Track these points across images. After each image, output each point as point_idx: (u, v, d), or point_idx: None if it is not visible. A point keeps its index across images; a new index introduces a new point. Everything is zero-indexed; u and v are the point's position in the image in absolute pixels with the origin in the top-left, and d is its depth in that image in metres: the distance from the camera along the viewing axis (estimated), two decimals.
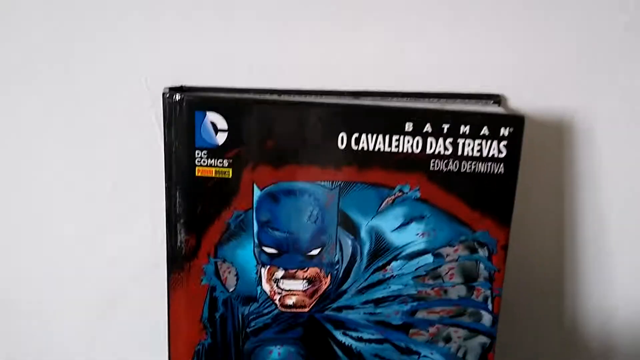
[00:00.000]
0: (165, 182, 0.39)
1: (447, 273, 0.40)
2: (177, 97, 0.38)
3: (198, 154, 0.38)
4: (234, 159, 0.38)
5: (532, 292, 0.47)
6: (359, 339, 0.42)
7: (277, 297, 0.41)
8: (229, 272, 0.41)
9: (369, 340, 0.42)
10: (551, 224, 0.45)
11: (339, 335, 0.42)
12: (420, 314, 0.41)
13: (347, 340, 0.42)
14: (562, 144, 0.43)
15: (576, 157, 0.44)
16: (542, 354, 0.49)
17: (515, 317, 0.46)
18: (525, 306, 0.47)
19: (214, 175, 0.39)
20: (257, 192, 0.39)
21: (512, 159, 0.38)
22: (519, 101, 0.42)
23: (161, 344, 0.42)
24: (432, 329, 0.41)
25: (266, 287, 0.41)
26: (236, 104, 0.38)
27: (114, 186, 0.45)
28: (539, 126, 0.42)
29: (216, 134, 0.38)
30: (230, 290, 0.41)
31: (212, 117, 0.38)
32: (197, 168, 0.39)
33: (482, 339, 0.42)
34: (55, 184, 0.45)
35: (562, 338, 0.48)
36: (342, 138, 0.38)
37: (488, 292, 0.41)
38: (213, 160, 0.39)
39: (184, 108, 0.38)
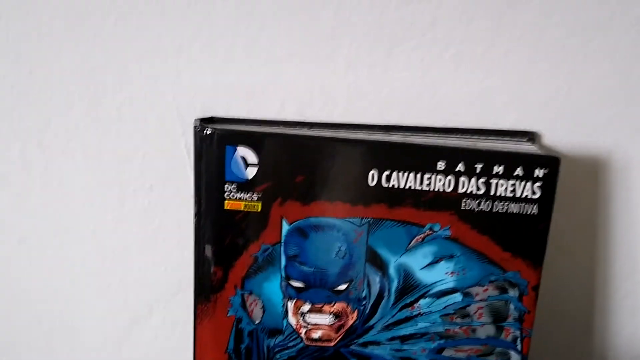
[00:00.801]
0: (194, 214, 0.39)
1: (475, 312, 0.40)
2: (208, 130, 0.38)
3: (227, 187, 0.38)
4: (264, 193, 0.38)
5: (561, 331, 0.46)
6: None
7: (302, 330, 0.41)
8: (256, 305, 0.41)
9: None
10: (583, 263, 0.44)
11: None
12: (448, 352, 0.41)
13: None
14: (597, 182, 0.42)
15: (611, 195, 0.43)
16: None
17: (544, 357, 0.46)
18: (554, 345, 0.46)
19: (243, 208, 0.39)
20: (285, 227, 0.39)
21: (546, 200, 0.37)
22: (553, 138, 0.41)
23: None
24: None
25: (292, 320, 0.41)
26: (266, 139, 0.38)
27: (143, 210, 0.45)
28: (574, 163, 0.42)
29: (246, 168, 0.38)
30: (257, 322, 0.41)
31: (243, 151, 0.38)
32: (226, 201, 0.39)
33: None
34: (85, 206, 0.45)
35: None
36: (373, 175, 0.38)
37: (517, 333, 0.40)
38: (242, 194, 0.38)
39: (214, 142, 0.38)
